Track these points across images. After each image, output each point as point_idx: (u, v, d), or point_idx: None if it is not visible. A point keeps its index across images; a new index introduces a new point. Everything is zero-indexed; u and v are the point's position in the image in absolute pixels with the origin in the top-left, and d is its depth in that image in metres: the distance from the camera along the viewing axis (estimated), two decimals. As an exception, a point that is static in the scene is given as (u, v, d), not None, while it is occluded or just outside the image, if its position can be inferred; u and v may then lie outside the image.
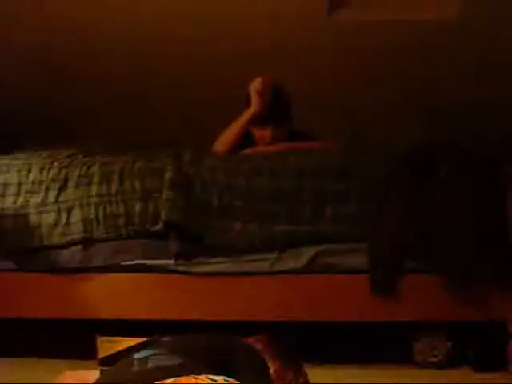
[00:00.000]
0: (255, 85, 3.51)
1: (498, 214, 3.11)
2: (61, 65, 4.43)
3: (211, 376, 1.92)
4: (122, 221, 3.25)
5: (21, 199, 3.34)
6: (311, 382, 2.58)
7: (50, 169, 3.36)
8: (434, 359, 3.21)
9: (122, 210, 3.25)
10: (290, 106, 3.64)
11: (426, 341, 3.22)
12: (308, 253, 3.18)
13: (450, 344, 3.20)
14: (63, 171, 3.34)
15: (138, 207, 3.25)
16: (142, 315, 3.22)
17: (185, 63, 4.43)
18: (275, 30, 4.24)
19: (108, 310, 3.23)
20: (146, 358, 2.10)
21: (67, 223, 3.28)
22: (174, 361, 2.07)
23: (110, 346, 3.15)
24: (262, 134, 3.55)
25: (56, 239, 3.28)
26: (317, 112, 4.34)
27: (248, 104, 3.53)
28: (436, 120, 4.53)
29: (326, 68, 4.41)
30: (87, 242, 3.27)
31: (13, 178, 3.37)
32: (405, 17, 4.21)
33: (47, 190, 3.32)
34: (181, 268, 3.22)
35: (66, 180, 3.32)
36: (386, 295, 3.13)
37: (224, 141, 3.52)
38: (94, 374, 2.55)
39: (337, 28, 4.23)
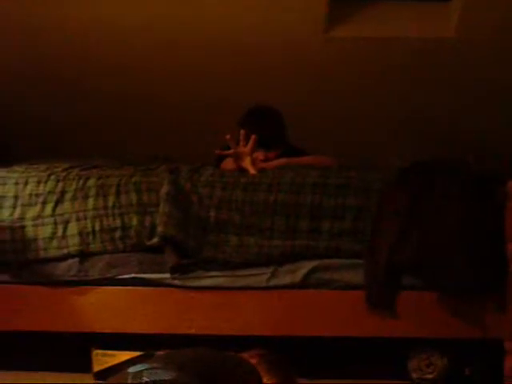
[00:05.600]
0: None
1: (494, 230, 3.10)
2: (58, 75, 4.44)
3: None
4: (118, 234, 3.25)
5: (17, 212, 3.33)
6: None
7: (46, 182, 3.35)
8: (430, 376, 3.20)
9: (118, 223, 3.25)
10: (280, 128, 3.66)
11: (421, 357, 3.21)
12: (304, 268, 3.18)
13: (445, 360, 3.20)
14: (60, 184, 3.34)
15: (134, 221, 3.25)
16: (138, 329, 3.21)
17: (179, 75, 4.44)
18: (272, 47, 4.25)
19: (103, 324, 3.22)
20: (141, 371, 2.10)
21: (63, 236, 3.28)
22: (169, 375, 2.07)
23: (104, 359, 3.16)
24: (254, 156, 3.50)
25: (52, 252, 3.28)
26: (314, 128, 4.36)
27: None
28: (432, 136, 4.54)
29: (323, 85, 4.42)
30: (83, 255, 3.27)
31: (10, 190, 3.37)
32: (402, 34, 4.22)
33: (44, 202, 3.32)
34: (177, 282, 3.21)
35: (62, 193, 3.32)
36: (381, 311, 3.13)
37: None
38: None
39: (334, 45, 4.24)
